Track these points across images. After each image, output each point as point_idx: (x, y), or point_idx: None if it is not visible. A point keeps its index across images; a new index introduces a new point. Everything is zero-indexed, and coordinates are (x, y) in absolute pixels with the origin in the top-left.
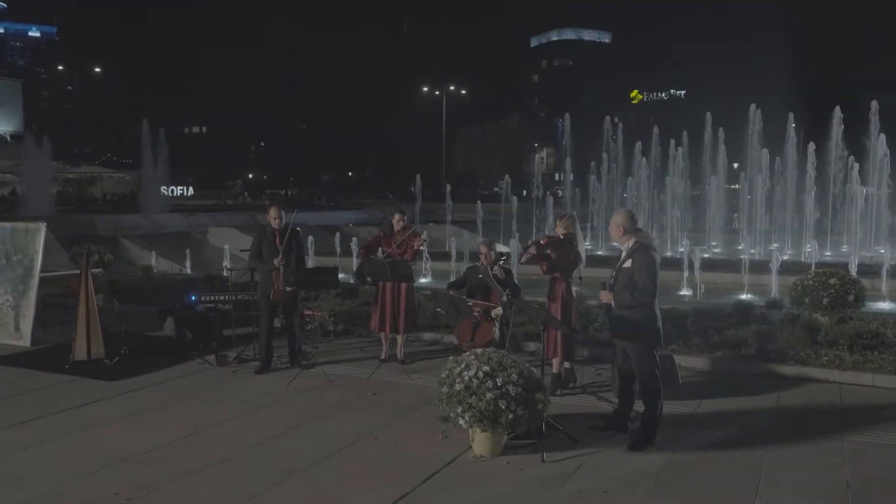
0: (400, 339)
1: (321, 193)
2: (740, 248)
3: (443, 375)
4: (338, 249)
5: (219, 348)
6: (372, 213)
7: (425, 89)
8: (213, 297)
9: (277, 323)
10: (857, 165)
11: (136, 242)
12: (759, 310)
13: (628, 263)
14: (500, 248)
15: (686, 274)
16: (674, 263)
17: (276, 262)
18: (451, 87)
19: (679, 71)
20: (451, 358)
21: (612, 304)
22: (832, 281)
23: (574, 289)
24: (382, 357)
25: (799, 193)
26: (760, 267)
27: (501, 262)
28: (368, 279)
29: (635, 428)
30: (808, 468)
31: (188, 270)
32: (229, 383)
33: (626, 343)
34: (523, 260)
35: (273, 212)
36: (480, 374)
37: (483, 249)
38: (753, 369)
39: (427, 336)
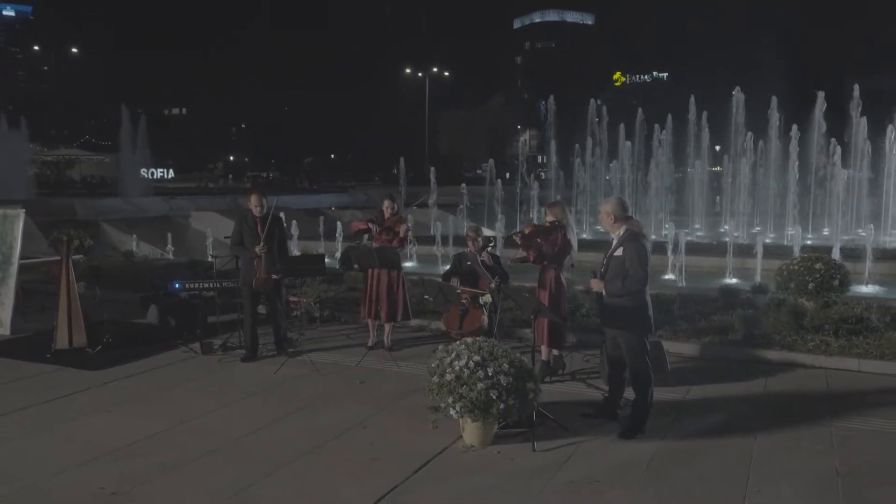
0: (387, 326)
1: (303, 176)
2: (723, 230)
3: (433, 365)
4: (322, 233)
5: (203, 336)
6: (355, 196)
7: (408, 71)
8: (197, 285)
9: (263, 310)
10: (839, 149)
11: (116, 227)
12: (744, 294)
13: (619, 252)
14: (487, 231)
15: (671, 258)
16: (658, 247)
17: (257, 249)
18: (435, 70)
19: (662, 53)
20: (440, 347)
21: (603, 292)
22: (818, 266)
23: (564, 276)
24: (369, 344)
25: (781, 177)
26: (744, 250)
27: (490, 248)
28: (356, 266)
29: (625, 415)
30: (798, 456)
31: (170, 255)
32: (215, 372)
33: (617, 332)
34: (513, 262)
35: (254, 199)
36: (471, 363)
37: (471, 235)
38: (740, 355)
39: (413, 322)
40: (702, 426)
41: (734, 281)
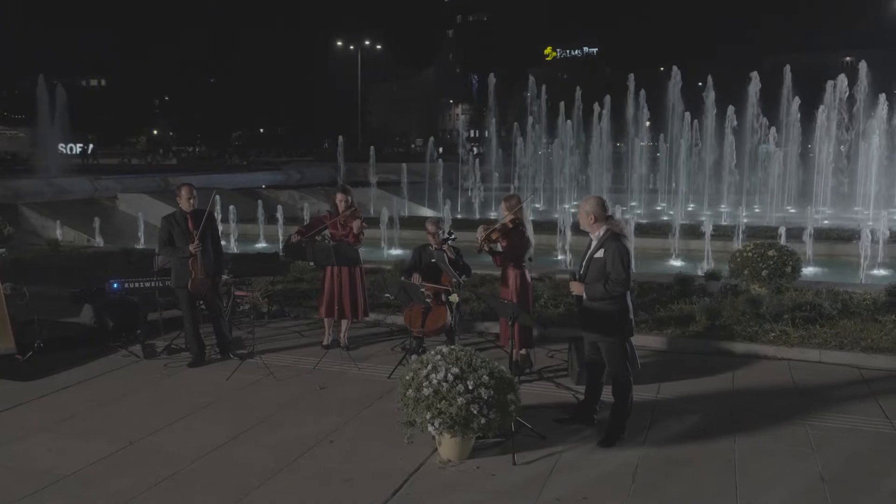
0: (344, 323)
1: (231, 151)
2: (659, 208)
3: (407, 377)
4: (261, 217)
5: (145, 337)
6: (289, 173)
7: (339, 44)
8: (137, 284)
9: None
10: (773, 129)
11: (37, 210)
12: (698, 280)
13: (600, 253)
14: (427, 212)
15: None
16: None
17: (191, 248)
18: (367, 42)
19: (592, 27)
20: (414, 357)
21: (584, 296)
22: (770, 253)
23: (527, 271)
24: (325, 343)
25: (713, 154)
26: (687, 232)
27: (451, 241)
28: (311, 263)
29: (602, 419)
30: (780, 460)
31: (98, 242)
32: (161, 380)
33: (598, 336)
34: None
35: (185, 192)
36: (450, 376)
37: (431, 230)
38: (704, 347)
39: (368, 317)
40: (679, 430)
41: (680, 263)
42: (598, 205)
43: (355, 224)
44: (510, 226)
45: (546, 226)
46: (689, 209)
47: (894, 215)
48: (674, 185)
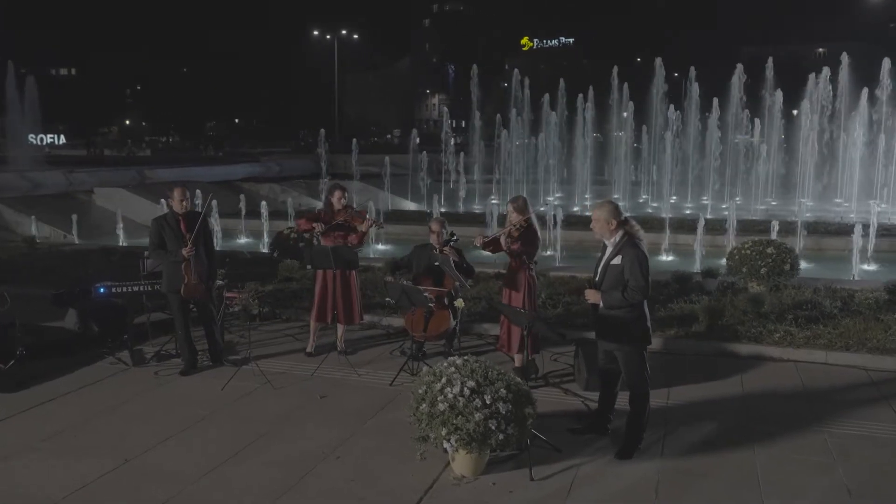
0: (340, 328)
1: (206, 142)
2: (642, 201)
3: (420, 391)
4: (242, 211)
5: (133, 342)
6: (268, 166)
7: (315, 33)
8: (125, 288)
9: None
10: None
11: (11, 206)
12: (695, 278)
13: (617, 260)
14: (410, 205)
15: None
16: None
17: (185, 252)
18: (344, 32)
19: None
20: (425, 369)
21: (600, 304)
22: (769, 250)
23: (532, 273)
24: (308, 350)
25: (693, 146)
26: (677, 226)
27: (453, 242)
28: (309, 266)
29: (615, 428)
30: (802, 471)
31: (76, 238)
32: (154, 389)
33: (615, 345)
34: (478, 243)
35: (177, 193)
36: (466, 390)
37: (434, 229)
38: (708, 348)
39: (363, 320)
40: (695, 439)
41: (671, 259)
42: (615, 210)
43: (365, 223)
44: (525, 224)
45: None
46: (673, 201)
47: (876, 207)
48: (655, 177)
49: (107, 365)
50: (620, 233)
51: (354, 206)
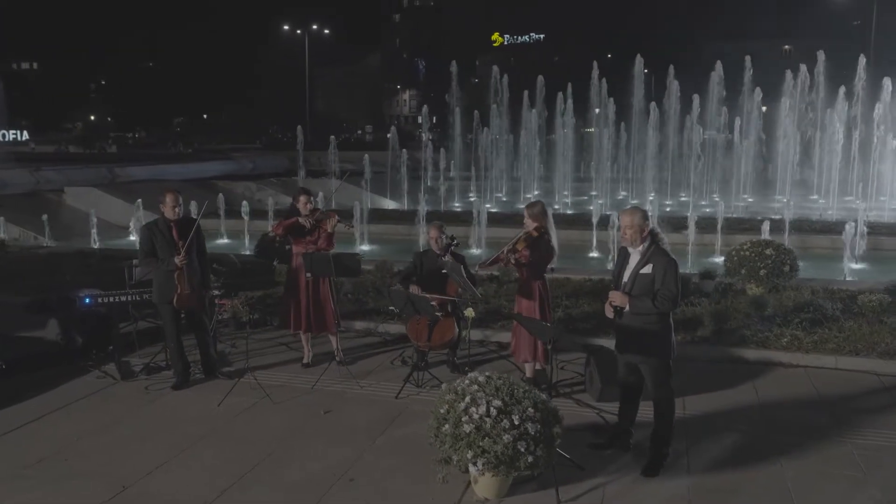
0: (333, 339)
1: (174, 138)
2: (621, 197)
3: (441, 411)
4: (222, 212)
5: (119, 353)
6: (241, 163)
7: (286, 27)
8: (112, 298)
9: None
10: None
11: None
12: (692, 279)
13: (647, 269)
14: (391, 204)
15: (595, 234)
16: (581, 221)
17: (178, 260)
18: (315, 27)
19: (539, 14)
20: (444, 386)
21: (626, 307)
22: (768, 252)
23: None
24: (305, 361)
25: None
26: (665, 223)
27: (453, 247)
28: (308, 274)
29: (636, 442)
30: (834, 486)
31: (48, 241)
32: (145, 406)
33: (640, 357)
34: (482, 267)
35: (170, 199)
36: (493, 410)
37: (434, 233)
38: (715, 353)
39: (359, 325)
40: (720, 453)
41: None
42: (644, 217)
43: (330, 223)
44: (535, 234)
45: (517, 218)
46: (650, 198)
47: (852, 204)
48: (631, 174)
49: (93, 379)
50: (649, 241)
51: (322, 207)
